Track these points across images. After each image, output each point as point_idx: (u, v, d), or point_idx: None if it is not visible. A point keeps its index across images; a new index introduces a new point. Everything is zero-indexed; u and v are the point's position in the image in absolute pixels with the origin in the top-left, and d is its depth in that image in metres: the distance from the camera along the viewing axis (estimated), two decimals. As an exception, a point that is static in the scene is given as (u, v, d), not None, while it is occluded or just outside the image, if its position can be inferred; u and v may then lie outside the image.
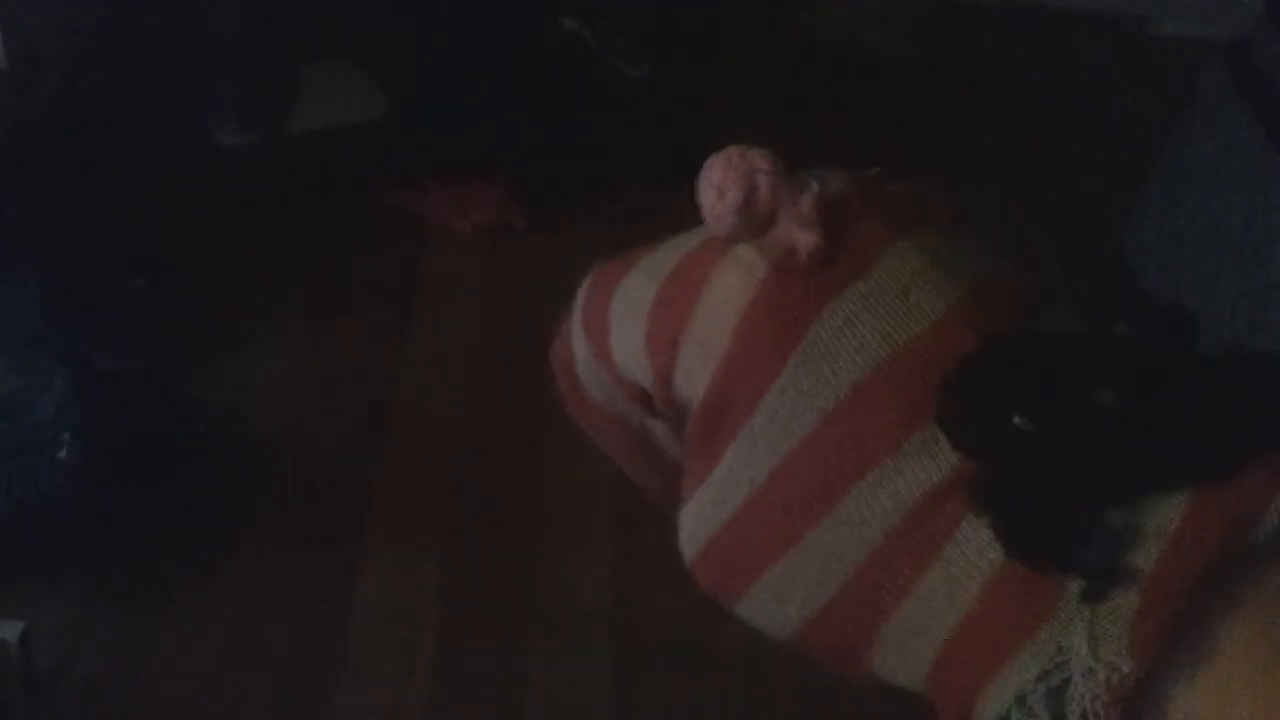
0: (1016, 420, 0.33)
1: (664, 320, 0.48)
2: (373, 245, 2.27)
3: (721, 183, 0.44)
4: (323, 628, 1.66)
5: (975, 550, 0.36)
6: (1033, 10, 2.99)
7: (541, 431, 1.96)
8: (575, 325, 0.57)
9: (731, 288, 0.43)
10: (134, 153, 2.34)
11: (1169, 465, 0.33)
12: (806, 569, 0.39)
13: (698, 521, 0.44)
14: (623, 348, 0.55)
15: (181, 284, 2.06)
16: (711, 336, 0.43)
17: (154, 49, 2.53)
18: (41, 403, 1.64)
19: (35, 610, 1.58)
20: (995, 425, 0.34)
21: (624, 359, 0.56)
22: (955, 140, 2.64)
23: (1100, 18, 3.00)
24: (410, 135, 2.45)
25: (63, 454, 1.61)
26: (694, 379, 0.48)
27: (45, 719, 1.52)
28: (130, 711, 1.56)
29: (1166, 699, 0.31)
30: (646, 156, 2.50)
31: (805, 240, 0.43)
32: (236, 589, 1.70)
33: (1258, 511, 0.30)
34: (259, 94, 2.50)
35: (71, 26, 2.49)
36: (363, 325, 2.13)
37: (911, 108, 2.76)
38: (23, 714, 1.49)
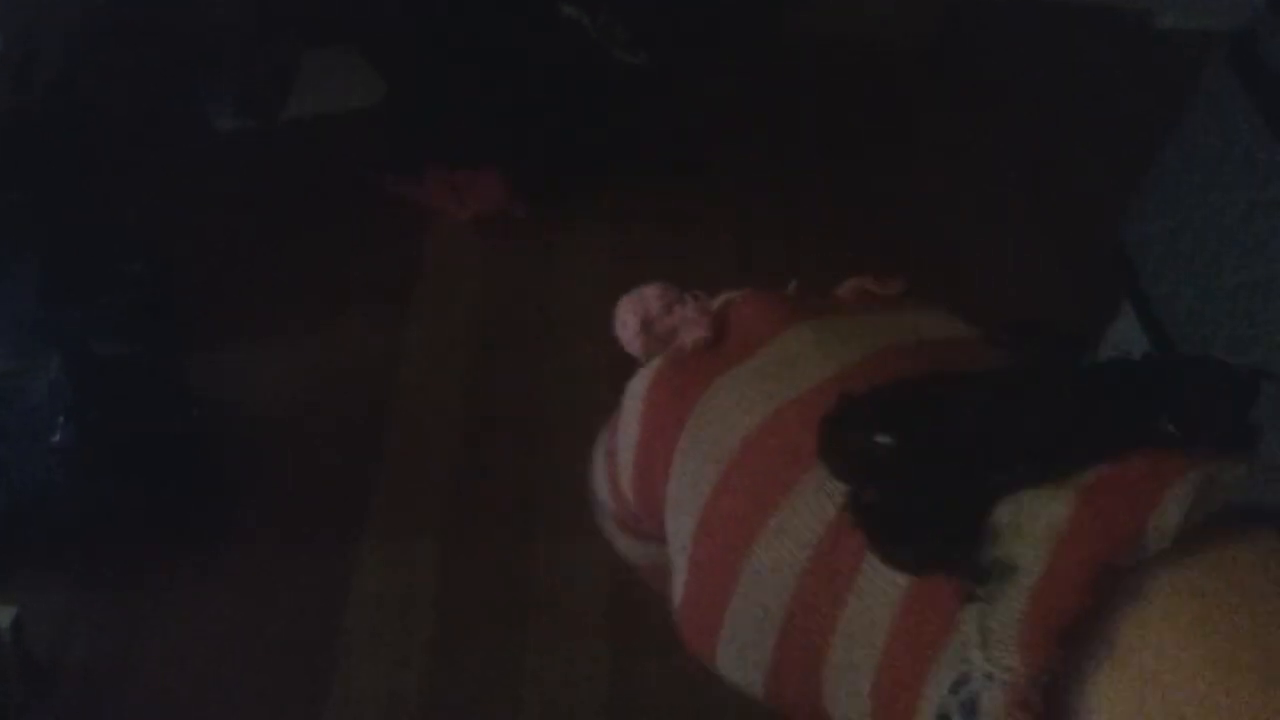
0: (878, 438, 0.35)
1: (609, 441, 0.53)
2: (371, 235, 2.27)
3: (623, 317, 0.48)
4: (319, 618, 1.66)
5: (884, 577, 0.36)
6: (1032, 3, 2.99)
7: (539, 424, 1.96)
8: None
9: (635, 386, 0.47)
10: (132, 139, 2.34)
11: (1029, 463, 0.33)
12: (746, 625, 0.41)
13: (675, 586, 0.47)
14: (598, 486, 0.59)
15: (179, 271, 2.05)
16: (628, 432, 0.47)
17: (152, 35, 2.52)
18: (36, 387, 1.64)
19: (31, 597, 1.57)
20: (860, 446, 0.35)
21: (600, 494, 0.60)
22: (954, 135, 2.63)
23: (1100, 10, 2.99)
24: (409, 123, 2.44)
25: (57, 438, 1.61)
26: (625, 473, 0.51)
27: (40, 706, 1.52)
28: (126, 698, 1.55)
29: (1083, 705, 0.31)
30: (645, 145, 2.50)
31: (691, 334, 0.47)
32: (233, 579, 1.70)
33: (1145, 509, 0.31)
34: (257, 80, 2.50)
35: (69, 13, 2.48)
36: (361, 315, 2.13)
37: (910, 101, 2.75)
38: (18, 700, 1.49)
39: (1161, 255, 1.48)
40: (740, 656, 0.44)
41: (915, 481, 0.35)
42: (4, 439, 1.61)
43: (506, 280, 2.23)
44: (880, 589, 0.35)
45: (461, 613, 1.69)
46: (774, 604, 0.40)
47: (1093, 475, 0.31)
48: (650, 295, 0.49)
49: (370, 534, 1.77)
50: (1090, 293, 1.95)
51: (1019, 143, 2.62)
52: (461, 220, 2.30)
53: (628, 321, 0.48)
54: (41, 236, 1.93)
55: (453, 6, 2.51)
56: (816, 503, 0.38)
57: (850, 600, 0.36)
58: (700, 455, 0.43)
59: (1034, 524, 0.31)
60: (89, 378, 1.65)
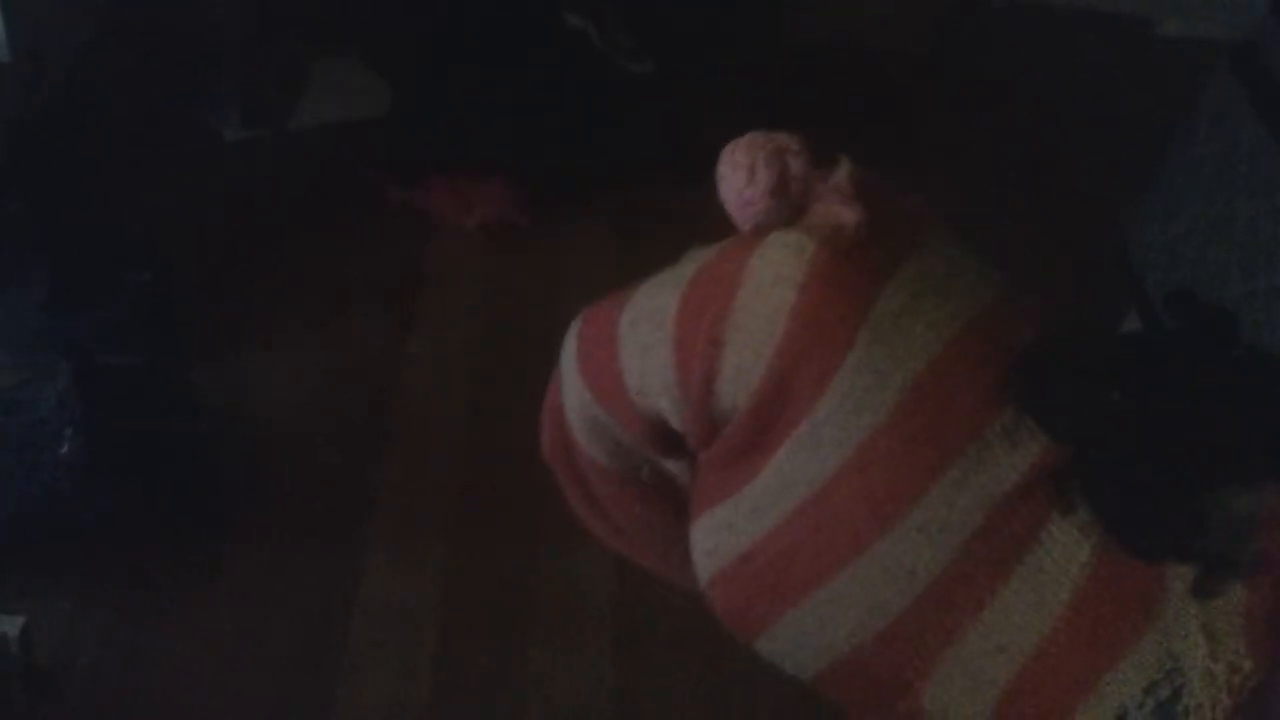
0: (1116, 396, 0.32)
1: (697, 321, 0.45)
2: (375, 242, 2.27)
3: (751, 164, 0.41)
4: (323, 624, 1.66)
5: (1063, 552, 0.33)
6: (1035, 9, 2.99)
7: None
8: (567, 374, 0.53)
9: (780, 268, 0.40)
10: (137, 148, 2.34)
11: (1264, 450, 0.32)
12: (868, 586, 0.36)
13: (725, 535, 0.41)
14: (641, 370, 0.51)
15: (184, 280, 2.06)
16: (762, 323, 0.41)
17: (157, 44, 2.52)
18: (43, 398, 1.64)
19: (36, 605, 1.58)
20: (1091, 402, 0.32)
21: (643, 382, 0.52)
22: (957, 140, 2.63)
23: (1103, 17, 2.99)
24: (414, 132, 2.44)
25: (64, 449, 1.61)
26: (744, 375, 0.44)
27: (45, 713, 1.52)
28: (130, 706, 1.55)
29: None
30: (650, 154, 2.50)
31: (851, 215, 0.41)
32: (237, 585, 1.70)
33: None
34: (262, 89, 2.50)
35: (74, 21, 2.49)
36: (365, 322, 2.13)
37: (913, 106, 2.75)
38: (23, 708, 1.49)
39: (1167, 262, 1.49)
40: (832, 621, 0.39)
41: (1153, 452, 0.32)
42: (12, 449, 1.61)
43: (509, 287, 2.23)
44: (1058, 565, 0.31)
45: (466, 619, 1.69)
46: (928, 567, 0.36)
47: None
48: (790, 147, 0.41)
49: (374, 541, 1.77)
50: (1094, 299, 1.95)
51: (1020, 148, 2.62)
52: (465, 227, 2.31)
53: (759, 174, 0.41)
54: (47, 245, 1.93)
55: (458, 16, 2.52)
56: (1004, 456, 0.34)
57: (1017, 574, 0.33)
58: (878, 374, 0.37)
59: (1239, 513, 0.29)
60: (96, 388, 1.66)
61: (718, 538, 0.44)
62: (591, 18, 2.73)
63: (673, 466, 0.55)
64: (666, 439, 0.55)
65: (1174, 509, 0.30)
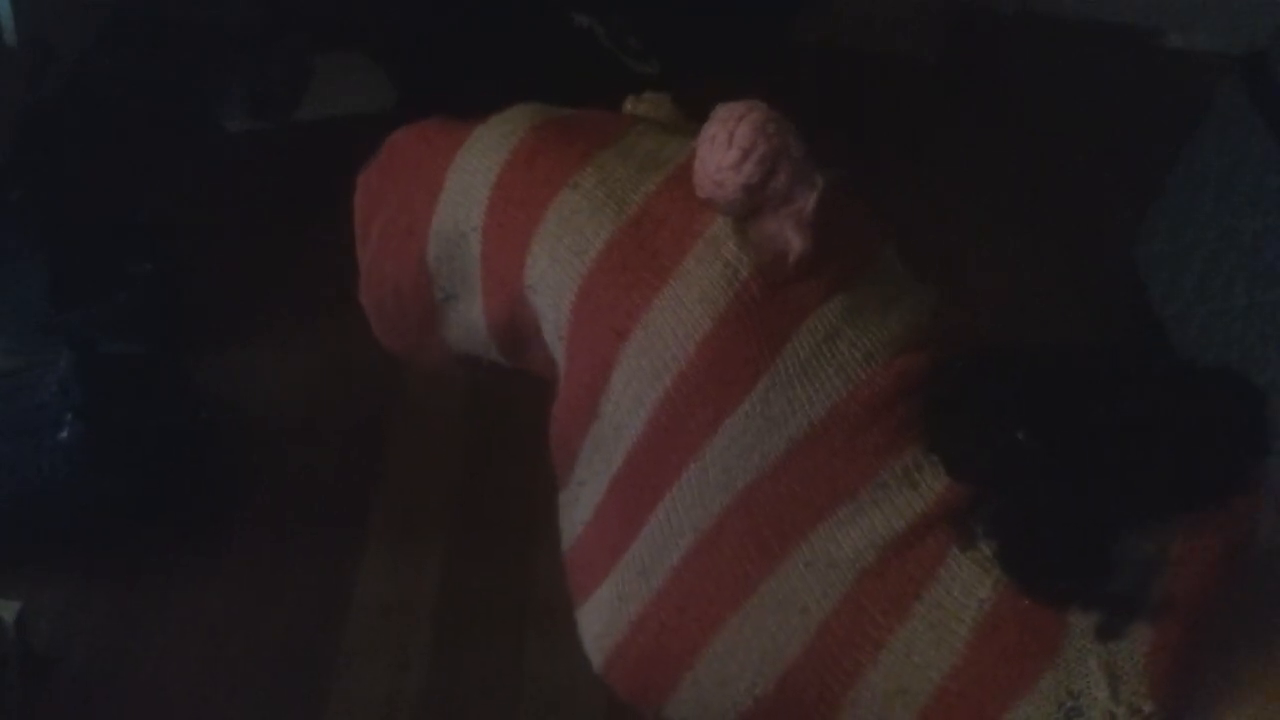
0: (1021, 436, 0.31)
1: (615, 290, 0.44)
2: (379, 237, 2.27)
3: (748, 147, 0.41)
4: (320, 617, 1.66)
5: (963, 588, 0.33)
6: (1044, 19, 2.99)
7: (542, 425, 1.96)
8: (469, 202, 0.49)
9: (708, 287, 0.40)
10: (143, 138, 2.34)
11: (1171, 488, 0.31)
12: (761, 629, 0.35)
13: (615, 608, 0.40)
14: (542, 276, 0.49)
15: (186, 271, 2.06)
16: (672, 342, 0.40)
17: (164, 36, 2.53)
18: (44, 385, 1.64)
19: (33, 592, 1.58)
20: (998, 443, 0.32)
21: (540, 284, 0.50)
22: (965, 147, 2.63)
23: (1112, 28, 2.99)
24: (420, 128, 2.44)
25: (64, 435, 1.61)
26: (637, 384, 0.44)
27: (40, 700, 1.52)
28: (125, 694, 1.55)
29: None
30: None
31: (797, 245, 0.41)
32: (235, 576, 1.70)
33: (1244, 533, 0.29)
34: (268, 82, 2.50)
35: (82, 11, 2.49)
36: (366, 319, 2.12)
37: (922, 112, 2.76)
38: (18, 693, 1.49)
39: (1173, 275, 1.49)
40: (732, 673, 0.39)
41: (1063, 498, 0.31)
42: (11, 436, 1.61)
43: (514, 286, 2.23)
44: (957, 603, 0.31)
45: (462, 617, 1.69)
46: (817, 603, 0.35)
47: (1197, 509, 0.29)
48: (792, 149, 0.40)
49: (372, 537, 1.77)
50: (1100, 311, 1.95)
51: (1028, 158, 2.62)
52: (470, 225, 2.31)
53: (746, 164, 0.39)
54: (50, 235, 1.93)
55: (465, 13, 2.52)
56: (901, 496, 0.33)
57: (916, 611, 0.32)
58: (771, 421, 0.37)
59: (1141, 553, 0.29)
60: (96, 376, 1.66)
61: (607, 615, 0.43)
62: (599, 17, 2.74)
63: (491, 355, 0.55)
64: (515, 339, 0.54)
65: (1078, 555, 0.29)
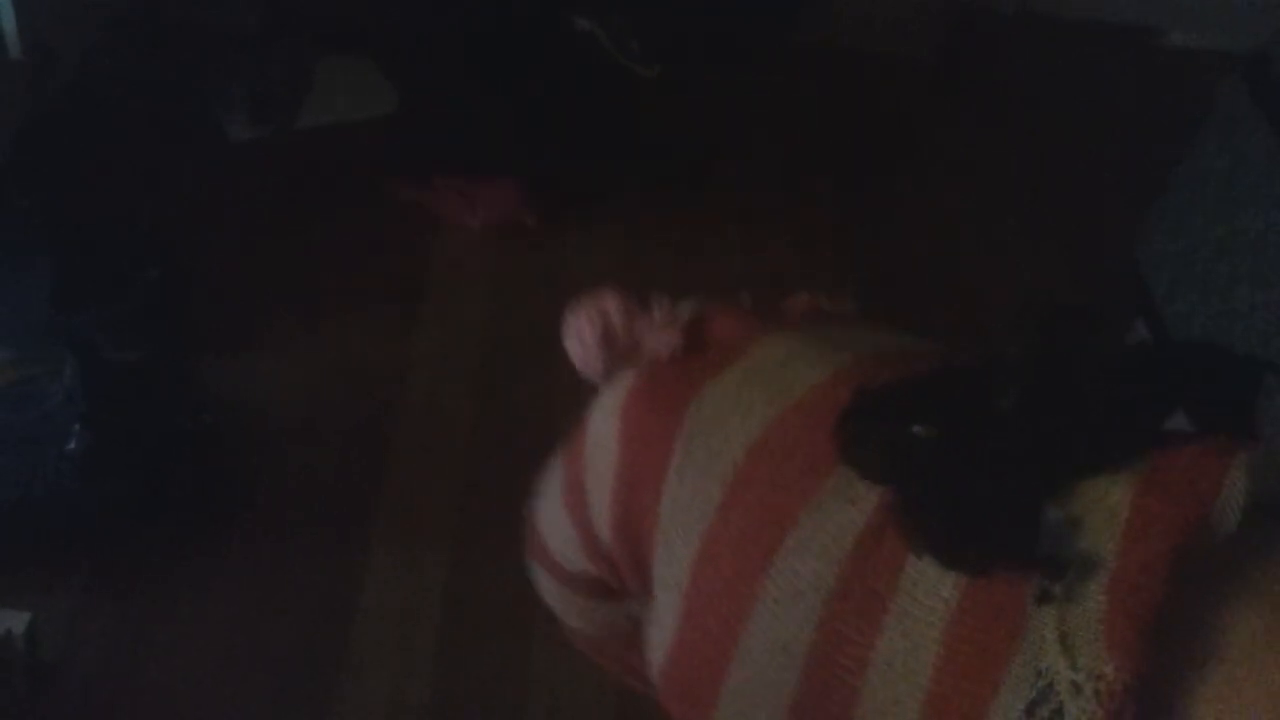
0: (916, 429, 0.31)
1: (569, 476, 0.47)
2: (382, 241, 2.27)
3: (579, 330, 0.43)
4: (326, 622, 1.66)
5: (926, 591, 0.32)
6: (1044, 19, 2.99)
7: (547, 432, 1.96)
8: (550, 503, 0.53)
9: (608, 404, 0.42)
10: (146, 145, 2.34)
11: (1079, 450, 0.31)
12: (757, 669, 0.35)
13: (652, 652, 0.41)
14: (554, 538, 0.52)
15: (191, 277, 2.06)
16: (601, 455, 0.41)
17: (166, 43, 2.53)
18: (50, 393, 1.64)
19: (41, 600, 1.58)
20: (896, 441, 0.32)
21: (563, 550, 0.53)
22: (964, 149, 2.64)
23: (1112, 27, 2.99)
24: (421, 132, 2.45)
25: (71, 445, 1.61)
26: (601, 507, 0.45)
27: (49, 708, 1.52)
28: (133, 702, 1.55)
29: (1175, 697, 0.28)
30: (656, 156, 2.50)
31: (665, 341, 0.42)
32: (241, 582, 1.70)
33: (1209, 492, 0.28)
34: (270, 88, 2.50)
35: (84, 18, 2.49)
36: (370, 321, 2.13)
37: (921, 115, 2.76)
38: (28, 702, 1.49)
39: (1175, 275, 1.49)
40: (749, 711, 0.39)
41: (964, 475, 0.31)
42: (18, 444, 1.61)
43: (516, 288, 2.23)
44: (923, 606, 0.31)
45: (468, 620, 1.69)
46: (797, 637, 0.35)
47: (1146, 463, 0.29)
48: (611, 306, 0.44)
49: (376, 542, 1.77)
50: (1102, 310, 1.95)
51: (1029, 158, 2.62)
52: (472, 228, 2.31)
53: (585, 335, 0.44)
54: (55, 242, 1.93)
55: (465, 17, 2.52)
56: (841, 513, 0.33)
57: (888, 623, 0.32)
58: (698, 470, 0.38)
59: (1095, 515, 0.28)
60: (102, 384, 1.66)
61: (650, 654, 0.44)
62: (600, 21, 2.74)
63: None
64: (605, 589, 0.58)
65: (987, 525, 0.29)
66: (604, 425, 0.43)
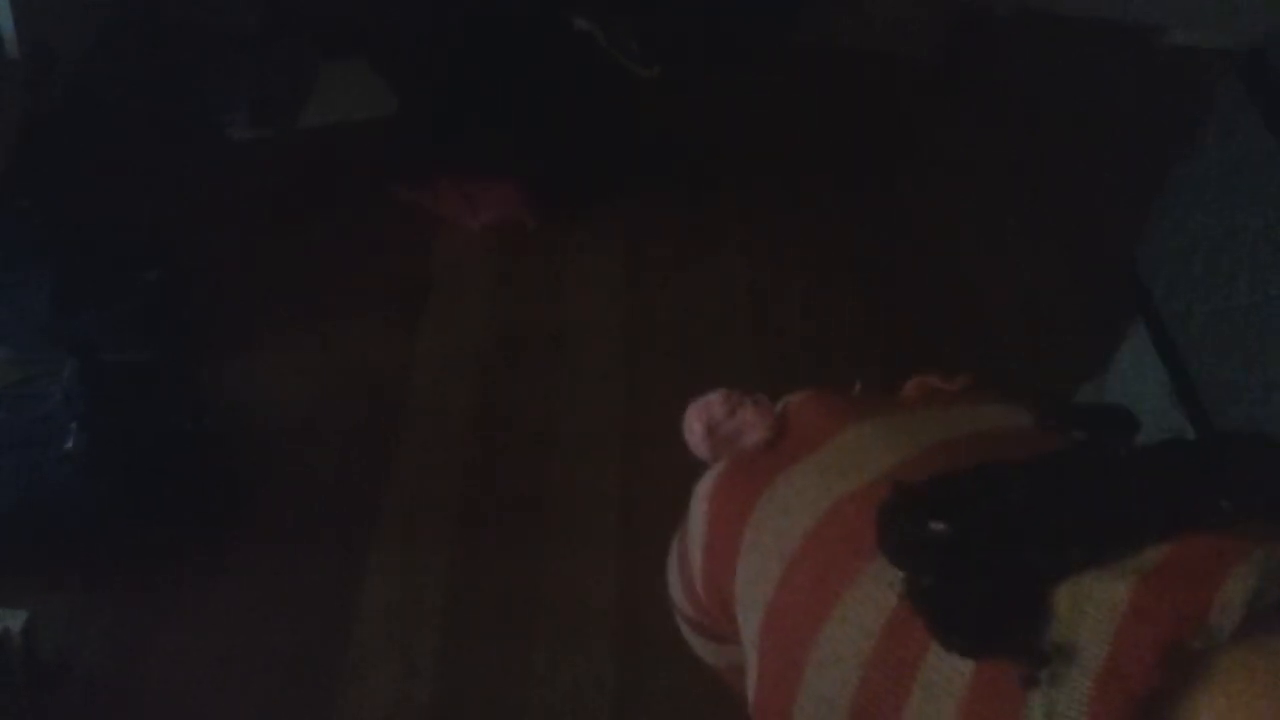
0: (932, 525, 0.34)
1: (681, 538, 0.54)
2: (383, 243, 2.28)
3: (690, 423, 0.50)
4: (327, 623, 1.66)
5: (949, 667, 0.35)
6: (1043, 17, 2.99)
7: (548, 430, 1.97)
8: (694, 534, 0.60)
9: (702, 488, 0.48)
10: (146, 147, 2.35)
11: (1088, 544, 0.33)
12: (819, 708, 0.40)
13: (749, 682, 0.46)
14: (673, 586, 0.59)
15: (191, 279, 2.06)
16: (696, 535, 0.48)
17: (167, 44, 2.53)
18: (49, 394, 1.64)
19: (39, 600, 1.58)
20: (915, 533, 0.35)
21: (675, 594, 0.60)
22: (964, 150, 2.64)
23: (1111, 26, 2.99)
24: (422, 133, 2.45)
25: (69, 445, 1.62)
26: (696, 577, 0.52)
27: (48, 709, 1.52)
28: (132, 702, 1.56)
29: None
30: (656, 156, 2.51)
31: (753, 436, 0.49)
32: (241, 582, 1.70)
33: (1209, 590, 0.30)
34: (271, 90, 2.51)
35: (85, 20, 2.50)
36: (372, 322, 2.13)
37: (921, 116, 2.76)
38: (26, 702, 1.49)
39: (1174, 274, 1.48)
40: None
41: (971, 566, 0.34)
42: (17, 445, 1.61)
43: (517, 289, 2.23)
44: (945, 677, 0.34)
45: (469, 620, 1.69)
46: (840, 695, 0.39)
47: (1152, 557, 0.30)
48: (714, 402, 0.51)
49: (379, 540, 1.77)
50: (1102, 311, 1.95)
51: (1027, 156, 2.62)
52: (473, 229, 2.31)
53: (694, 428, 0.51)
54: (55, 243, 1.94)
55: (465, 19, 2.52)
56: (878, 592, 0.37)
57: (915, 690, 0.35)
58: (764, 551, 0.43)
59: (1095, 606, 0.30)
60: (102, 385, 1.66)
61: (747, 692, 0.51)
62: (599, 21, 2.74)
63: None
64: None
65: (984, 615, 0.32)
66: (697, 506, 0.52)
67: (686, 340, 2.11)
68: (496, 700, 1.61)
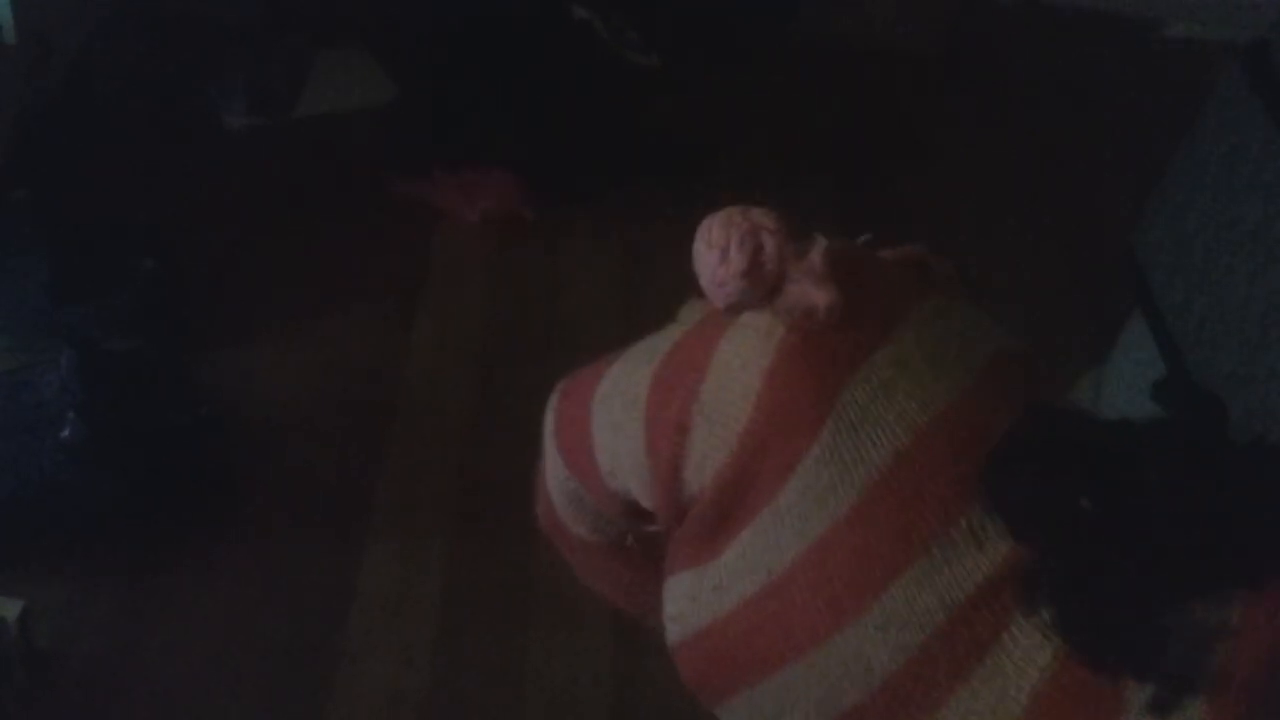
0: (1085, 503, 0.30)
1: (665, 404, 0.43)
2: (380, 233, 2.27)
3: (725, 244, 0.39)
4: (323, 613, 1.66)
5: (1024, 655, 0.31)
6: (1044, 9, 2.98)
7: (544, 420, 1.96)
8: (548, 449, 0.51)
9: (748, 352, 0.38)
10: (143, 135, 2.34)
11: (1233, 560, 0.30)
12: (824, 676, 0.34)
13: (689, 604, 0.39)
14: (613, 449, 0.49)
15: (187, 268, 2.06)
16: (728, 409, 0.38)
17: (164, 32, 2.52)
18: (46, 382, 1.64)
19: (36, 589, 1.58)
20: (1062, 509, 0.30)
21: (614, 462, 0.50)
22: (963, 141, 2.63)
23: (1111, 18, 2.98)
24: (419, 123, 2.44)
25: (65, 433, 1.61)
26: (709, 460, 0.42)
27: (44, 697, 1.52)
28: (128, 691, 1.55)
29: None
30: (655, 147, 2.50)
31: (823, 298, 0.38)
32: (238, 572, 1.70)
33: None
34: (267, 78, 2.50)
35: (82, 10, 2.49)
36: (368, 312, 2.13)
37: (923, 104, 2.75)
38: (21, 690, 1.49)
39: (1173, 264, 1.48)
40: (787, 705, 0.37)
41: (1116, 562, 0.30)
42: (12, 433, 1.61)
43: (513, 278, 2.23)
44: (1018, 669, 0.30)
45: (465, 611, 1.69)
46: (884, 663, 0.34)
47: (1273, 581, 0.28)
48: (765, 225, 0.41)
49: (375, 532, 1.77)
50: (1100, 300, 1.94)
51: (1027, 148, 2.61)
52: (470, 220, 2.30)
53: (733, 255, 0.40)
54: (51, 232, 1.93)
55: (464, 7, 2.51)
56: (969, 556, 0.32)
57: (976, 674, 0.31)
58: (841, 466, 0.36)
59: (1203, 626, 0.28)
60: (97, 374, 1.66)
61: (682, 605, 0.42)
62: (597, 10, 2.73)
63: (656, 529, 0.54)
64: (642, 513, 0.54)
65: (1134, 626, 0.28)
66: (741, 375, 0.40)
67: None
68: (493, 692, 1.61)
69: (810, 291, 0.39)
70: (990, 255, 2.33)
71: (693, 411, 0.43)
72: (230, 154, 2.39)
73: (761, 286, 0.39)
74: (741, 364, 0.40)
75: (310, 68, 2.57)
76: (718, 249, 0.41)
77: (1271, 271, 1.28)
